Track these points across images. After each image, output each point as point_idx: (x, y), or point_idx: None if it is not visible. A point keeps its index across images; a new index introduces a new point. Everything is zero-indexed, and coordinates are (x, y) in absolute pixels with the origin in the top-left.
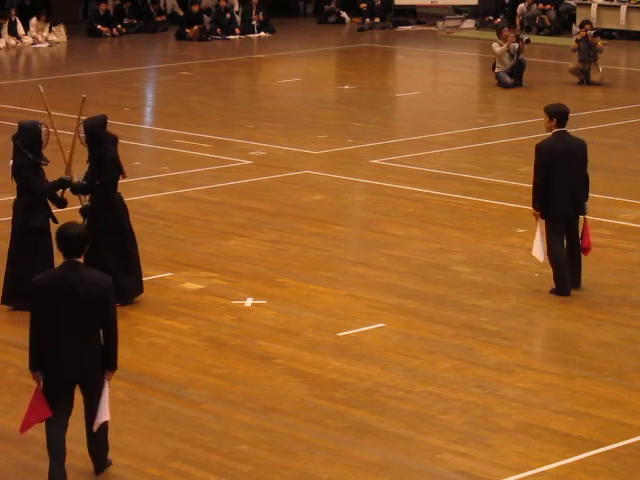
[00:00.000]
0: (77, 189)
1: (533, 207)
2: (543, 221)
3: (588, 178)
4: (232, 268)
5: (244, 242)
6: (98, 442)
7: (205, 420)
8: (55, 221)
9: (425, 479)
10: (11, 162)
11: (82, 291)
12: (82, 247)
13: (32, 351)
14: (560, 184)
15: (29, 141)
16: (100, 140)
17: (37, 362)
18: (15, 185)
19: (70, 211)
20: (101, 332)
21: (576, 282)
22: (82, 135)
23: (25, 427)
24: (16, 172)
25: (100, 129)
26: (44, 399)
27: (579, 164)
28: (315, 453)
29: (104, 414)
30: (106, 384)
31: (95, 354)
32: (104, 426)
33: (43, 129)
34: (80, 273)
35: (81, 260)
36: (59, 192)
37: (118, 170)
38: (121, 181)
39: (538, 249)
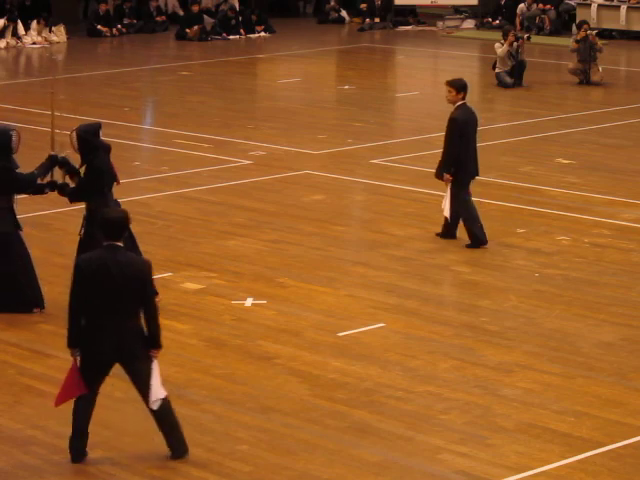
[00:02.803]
0: (65, 163)
1: (447, 172)
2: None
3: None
4: (232, 268)
5: (244, 242)
6: (165, 423)
7: (205, 420)
8: (19, 227)
9: (425, 479)
10: None
11: (118, 273)
12: (122, 231)
13: (71, 329)
14: (469, 150)
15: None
16: (93, 148)
17: (75, 340)
18: None
19: (58, 213)
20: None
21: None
22: (74, 142)
23: (59, 402)
24: None
25: (93, 137)
26: (80, 376)
27: (476, 131)
28: (315, 453)
29: (158, 391)
30: (155, 362)
31: (133, 334)
32: (167, 406)
33: (14, 135)
34: (118, 255)
35: (121, 243)
36: (48, 175)
37: (108, 178)
38: (121, 181)
39: (447, 208)
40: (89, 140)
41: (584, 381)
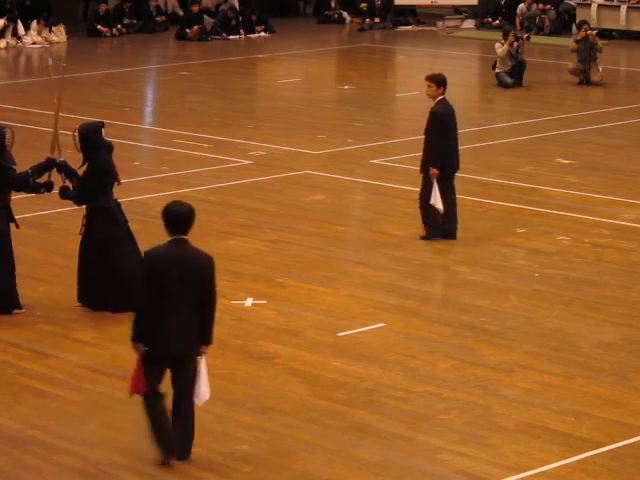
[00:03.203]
0: (63, 167)
1: (434, 166)
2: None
3: None
4: (232, 268)
5: (244, 242)
6: (186, 426)
7: (205, 420)
8: (17, 226)
9: (425, 479)
10: None
11: (187, 266)
12: (188, 225)
13: (136, 323)
14: (453, 143)
15: None
16: (95, 146)
17: (140, 334)
18: None
19: (58, 213)
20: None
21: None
22: (77, 140)
23: (133, 391)
24: None
25: (96, 136)
26: (143, 373)
27: (456, 126)
28: (315, 453)
29: (206, 391)
30: (203, 359)
31: (194, 329)
32: (192, 410)
33: (8, 133)
34: (184, 250)
35: (187, 237)
36: (45, 175)
37: (110, 177)
38: (121, 181)
39: (439, 201)
40: (91, 139)
41: (584, 381)
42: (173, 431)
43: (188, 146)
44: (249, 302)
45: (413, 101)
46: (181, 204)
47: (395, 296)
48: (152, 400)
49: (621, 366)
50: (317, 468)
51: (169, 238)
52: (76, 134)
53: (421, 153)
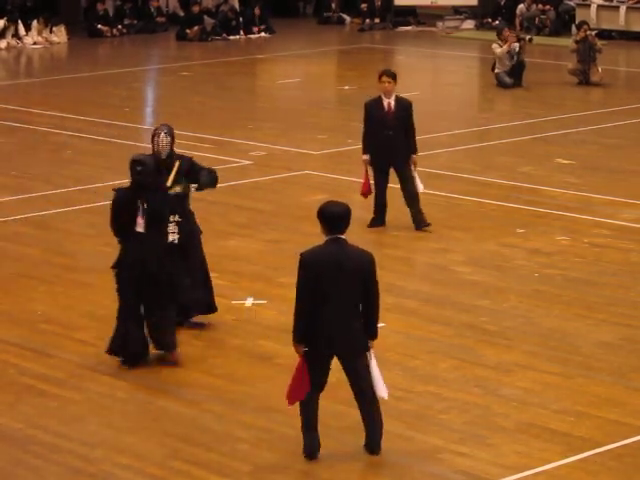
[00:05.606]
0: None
1: (364, 154)
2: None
3: None
4: (232, 268)
5: (244, 242)
6: (370, 420)
7: (205, 420)
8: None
9: (425, 479)
10: (145, 206)
11: (348, 265)
12: (345, 224)
13: (297, 324)
14: None
15: (149, 174)
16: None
17: (301, 335)
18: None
19: (58, 213)
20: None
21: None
22: (167, 145)
23: (293, 401)
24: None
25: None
26: (308, 373)
27: None
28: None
29: (382, 388)
30: (372, 354)
31: (358, 326)
32: (374, 403)
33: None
34: (344, 248)
35: (344, 237)
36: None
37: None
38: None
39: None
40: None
41: (583, 381)
42: (317, 430)
43: (188, 146)
44: (249, 302)
45: (413, 101)
46: (336, 204)
47: (395, 296)
48: (308, 399)
49: (620, 366)
50: (317, 468)
51: (326, 238)
52: (168, 139)
53: (422, 153)
